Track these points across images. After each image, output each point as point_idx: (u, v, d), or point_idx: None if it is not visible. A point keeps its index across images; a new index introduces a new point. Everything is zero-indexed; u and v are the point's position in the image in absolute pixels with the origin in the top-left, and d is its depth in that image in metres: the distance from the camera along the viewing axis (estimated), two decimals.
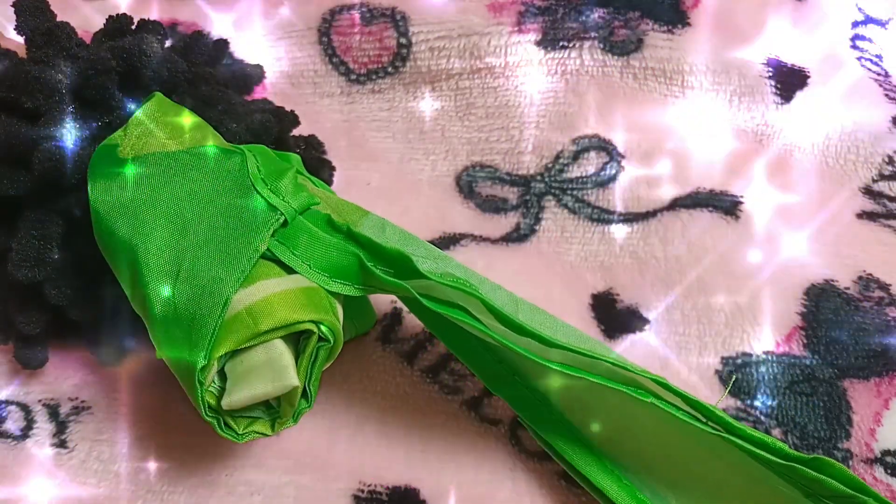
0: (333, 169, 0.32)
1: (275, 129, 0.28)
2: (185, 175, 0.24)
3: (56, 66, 0.25)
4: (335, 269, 0.23)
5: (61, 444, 0.26)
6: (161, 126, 0.25)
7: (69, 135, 0.25)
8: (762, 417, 0.27)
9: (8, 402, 0.27)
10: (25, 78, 0.25)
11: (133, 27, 0.28)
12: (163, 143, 0.25)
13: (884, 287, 0.29)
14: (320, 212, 0.24)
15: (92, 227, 0.25)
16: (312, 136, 0.31)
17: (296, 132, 0.31)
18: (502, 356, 0.26)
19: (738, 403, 0.27)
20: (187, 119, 0.25)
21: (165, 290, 0.22)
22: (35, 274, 0.25)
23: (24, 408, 0.27)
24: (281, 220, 0.23)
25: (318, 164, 0.31)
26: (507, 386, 0.26)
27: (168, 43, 0.29)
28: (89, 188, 0.24)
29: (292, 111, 0.30)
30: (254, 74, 0.32)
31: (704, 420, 0.22)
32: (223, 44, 0.30)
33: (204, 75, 0.28)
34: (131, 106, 0.26)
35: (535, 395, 0.26)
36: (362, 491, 0.25)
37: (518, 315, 0.22)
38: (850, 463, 0.26)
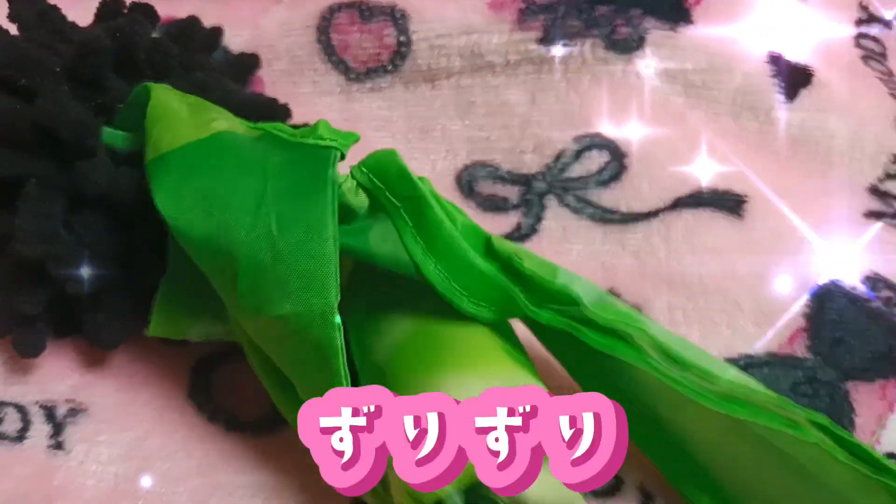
0: None
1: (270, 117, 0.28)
2: (225, 155, 0.24)
3: (50, 46, 0.25)
4: (479, 294, 0.22)
5: (58, 446, 0.26)
6: (171, 117, 0.24)
7: (65, 115, 0.25)
8: None
9: (4, 404, 0.27)
10: (21, 56, 0.25)
11: (125, 11, 0.28)
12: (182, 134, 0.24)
13: (892, 287, 0.29)
14: (481, 229, 0.23)
15: (101, 206, 0.25)
16: (306, 124, 0.31)
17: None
18: (638, 397, 0.24)
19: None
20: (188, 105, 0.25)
21: (266, 256, 0.22)
22: (43, 250, 0.24)
23: (21, 409, 0.27)
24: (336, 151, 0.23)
25: None
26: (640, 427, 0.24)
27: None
28: (161, 204, 0.23)
29: (285, 104, 0.30)
30: (249, 63, 0.32)
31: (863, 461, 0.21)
32: (217, 32, 0.30)
33: (199, 61, 0.28)
34: (125, 87, 0.26)
35: (670, 439, 0.24)
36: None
37: (683, 351, 0.22)
38: None
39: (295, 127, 0.25)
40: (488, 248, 0.23)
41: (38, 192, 0.25)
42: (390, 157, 0.23)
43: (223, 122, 0.24)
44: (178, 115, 0.24)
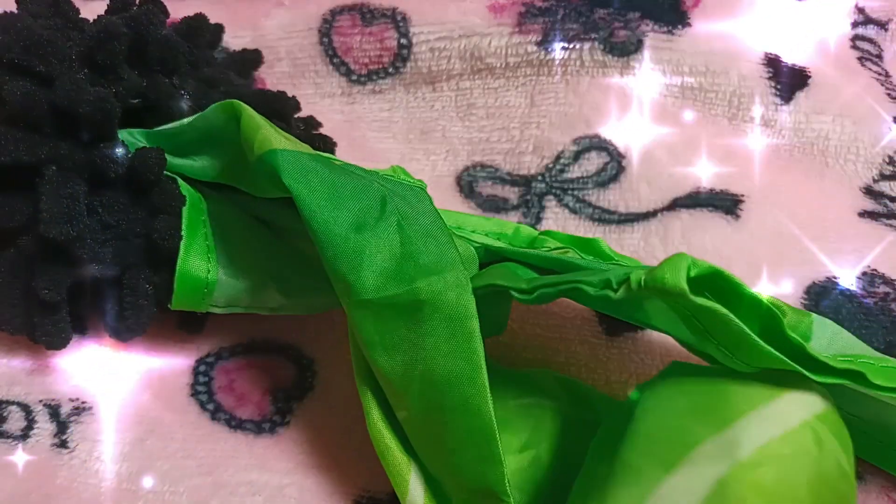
0: (335, 144, 0.32)
1: (279, 111, 0.28)
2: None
3: (65, 33, 0.25)
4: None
5: (62, 445, 0.26)
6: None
7: (82, 99, 0.25)
8: None
9: (8, 402, 0.27)
10: (38, 41, 0.25)
11: (136, 5, 0.29)
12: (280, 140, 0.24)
13: (889, 282, 0.29)
14: (778, 309, 0.21)
15: (121, 187, 0.25)
16: (310, 117, 0.31)
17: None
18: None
19: None
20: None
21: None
22: (68, 230, 0.24)
23: (25, 408, 0.27)
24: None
25: (319, 141, 0.31)
26: None
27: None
28: (300, 196, 0.23)
29: (293, 97, 0.30)
30: (252, 59, 0.32)
31: None
32: (219, 29, 0.30)
33: (205, 57, 0.28)
34: (137, 79, 0.26)
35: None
36: (363, 497, 0.25)
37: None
38: None
39: (287, 132, 0.25)
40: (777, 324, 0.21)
41: (59, 176, 0.25)
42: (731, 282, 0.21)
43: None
44: (264, 125, 0.25)
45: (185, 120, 0.27)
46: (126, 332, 0.26)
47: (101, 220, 0.25)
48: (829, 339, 0.22)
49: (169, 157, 0.27)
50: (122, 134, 0.27)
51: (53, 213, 0.24)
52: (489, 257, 0.26)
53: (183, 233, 0.25)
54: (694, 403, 0.19)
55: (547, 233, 0.27)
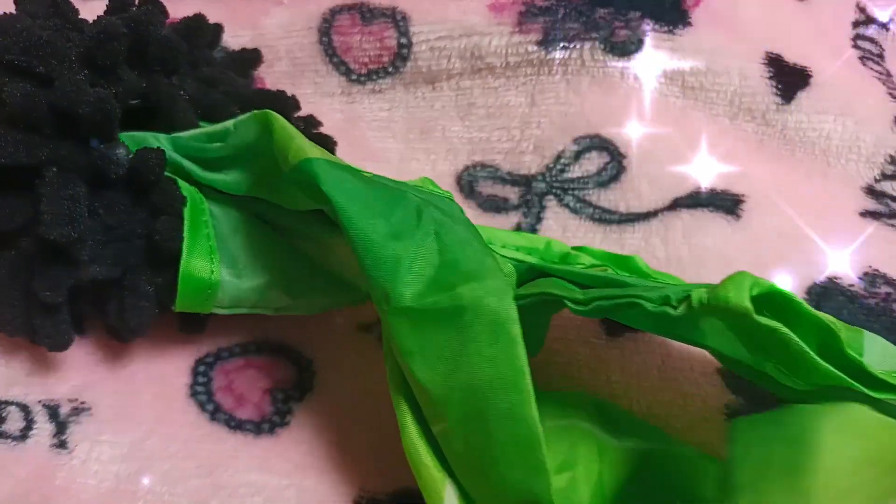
0: (335, 143, 0.32)
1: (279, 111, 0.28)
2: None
3: (64, 33, 0.25)
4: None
5: (61, 445, 0.26)
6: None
7: (81, 99, 0.25)
8: (760, 410, 0.27)
9: (7, 403, 0.27)
10: (37, 42, 0.25)
11: (135, 6, 0.29)
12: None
13: (891, 283, 0.29)
14: (833, 326, 0.20)
15: (121, 187, 0.24)
16: (310, 116, 0.31)
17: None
18: None
19: (741, 400, 0.27)
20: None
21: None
22: (69, 232, 0.24)
23: (24, 408, 0.27)
24: None
25: (319, 141, 0.31)
26: None
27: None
28: (338, 203, 0.23)
29: (293, 95, 0.30)
30: (251, 58, 0.32)
31: None
32: (218, 28, 0.30)
33: (205, 57, 0.28)
34: (136, 80, 0.26)
35: None
36: (363, 497, 0.25)
37: None
38: None
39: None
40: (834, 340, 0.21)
41: (59, 177, 0.25)
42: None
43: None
44: (297, 135, 0.24)
45: (212, 128, 0.27)
46: (127, 332, 0.26)
47: (102, 222, 0.25)
48: (880, 355, 0.22)
49: (199, 170, 0.26)
50: (148, 138, 0.27)
51: (54, 214, 0.24)
52: (527, 275, 0.26)
53: (185, 234, 0.25)
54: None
55: (580, 248, 0.27)
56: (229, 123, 0.27)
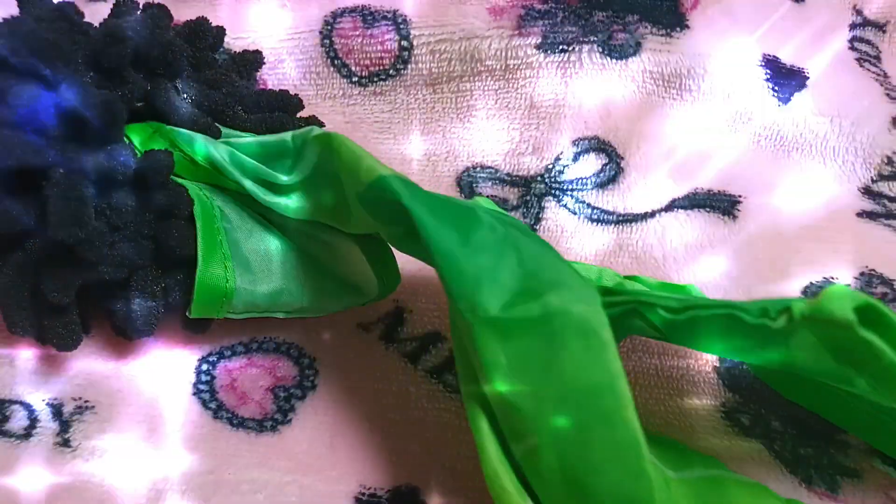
0: None
1: (285, 117, 0.28)
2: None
3: (70, 36, 0.26)
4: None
5: (65, 444, 0.26)
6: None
7: (88, 101, 0.25)
8: (762, 411, 0.27)
9: (11, 402, 0.27)
10: (44, 45, 0.25)
11: (139, 11, 0.29)
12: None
13: (887, 283, 0.29)
14: None
15: (130, 189, 0.25)
16: (312, 116, 0.32)
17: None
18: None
19: (737, 398, 0.27)
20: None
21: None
22: (77, 232, 0.24)
23: (27, 407, 0.27)
24: None
25: None
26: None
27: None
28: (421, 218, 0.22)
29: (296, 94, 0.30)
30: (253, 60, 0.32)
31: None
32: (221, 31, 0.30)
33: (207, 60, 0.28)
34: (142, 82, 0.26)
35: None
36: (363, 494, 0.25)
37: None
38: (848, 452, 0.26)
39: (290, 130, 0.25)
40: None
41: (66, 178, 0.25)
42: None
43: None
44: (363, 153, 0.24)
45: (265, 139, 0.27)
46: (135, 332, 0.27)
47: (110, 223, 0.25)
48: None
49: (263, 194, 0.26)
50: (208, 146, 0.27)
51: (62, 215, 0.24)
52: None
53: (199, 240, 0.25)
54: None
55: (633, 277, 0.27)
56: (287, 136, 0.26)
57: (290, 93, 0.31)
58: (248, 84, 0.30)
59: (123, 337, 0.27)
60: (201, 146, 0.27)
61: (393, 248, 0.28)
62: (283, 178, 0.26)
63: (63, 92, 0.25)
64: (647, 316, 0.22)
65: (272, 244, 0.27)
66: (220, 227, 0.26)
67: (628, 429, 0.19)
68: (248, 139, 0.27)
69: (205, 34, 0.29)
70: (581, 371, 0.20)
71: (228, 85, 0.28)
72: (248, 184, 0.26)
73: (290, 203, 0.26)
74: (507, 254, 0.21)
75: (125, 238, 0.26)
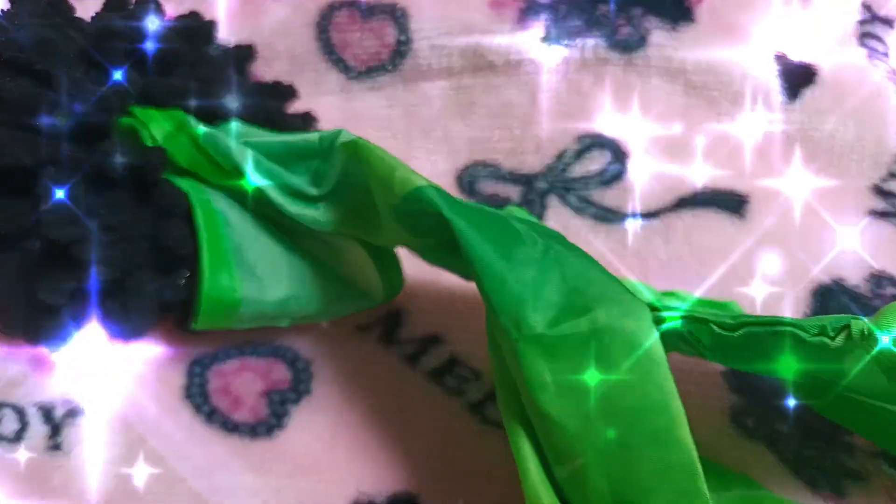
0: None
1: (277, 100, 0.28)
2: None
3: (63, 31, 0.26)
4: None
5: (56, 447, 0.26)
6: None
7: (82, 98, 0.25)
8: (767, 413, 0.27)
9: (1, 405, 0.26)
10: (37, 40, 0.25)
11: (132, 4, 0.29)
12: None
13: None
14: None
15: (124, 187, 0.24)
16: (307, 112, 0.31)
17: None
18: None
19: (743, 401, 0.27)
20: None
21: None
22: (70, 231, 0.24)
23: (18, 410, 0.26)
24: None
25: None
26: None
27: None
28: (462, 230, 0.22)
29: (289, 84, 0.30)
30: (246, 54, 0.32)
31: None
32: (213, 25, 0.30)
33: (201, 55, 0.28)
34: (136, 78, 0.26)
35: None
36: (360, 500, 0.25)
37: None
38: (854, 454, 0.26)
39: (284, 124, 0.25)
40: None
41: (59, 176, 0.25)
42: None
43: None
44: (395, 161, 0.24)
45: (291, 138, 0.26)
46: (129, 334, 0.26)
47: (104, 222, 0.25)
48: None
49: (289, 205, 0.26)
50: (230, 146, 0.26)
51: (55, 214, 0.24)
52: None
53: (203, 247, 0.25)
54: None
55: (670, 293, 0.26)
56: (314, 138, 0.26)
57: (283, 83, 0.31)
58: (242, 80, 0.30)
59: (116, 338, 0.27)
60: (225, 147, 0.26)
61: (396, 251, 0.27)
62: (313, 191, 0.26)
63: (56, 88, 0.25)
64: (696, 333, 0.21)
65: (278, 249, 0.26)
66: (224, 232, 0.25)
67: (682, 449, 0.19)
68: (273, 139, 0.27)
69: (198, 29, 0.29)
70: (631, 390, 0.19)
71: (223, 80, 0.28)
72: (274, 194, 0.26)
73: (318, 215, 0.26)
74: (551, 268, 0.21)
75: (120, 238, 0.25)
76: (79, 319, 0.27)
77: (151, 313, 0.26)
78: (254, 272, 0.26)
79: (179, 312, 0.26)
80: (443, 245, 0.24)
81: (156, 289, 0.26)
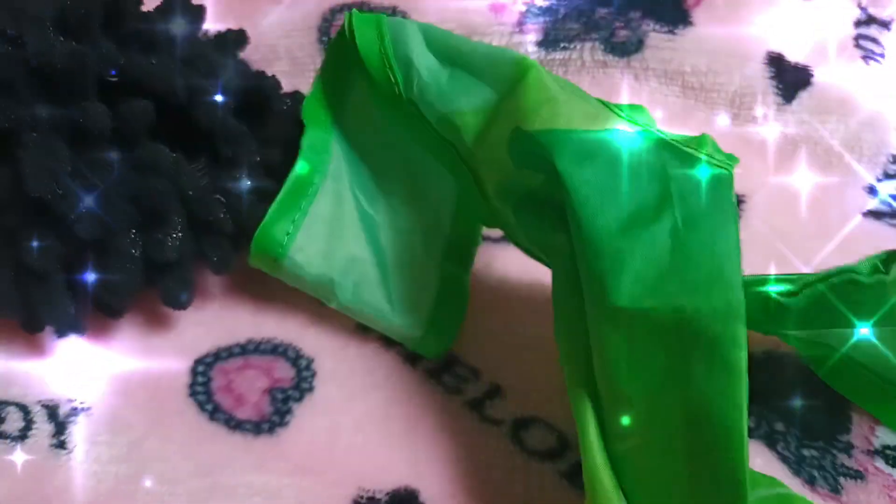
0: None
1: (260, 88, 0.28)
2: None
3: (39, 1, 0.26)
4: None
5: (60, 445, 0.26)
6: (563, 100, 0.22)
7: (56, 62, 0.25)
8: (765, 412, 0.27)
9: (6, 403, 0.26)
10: (9, 4, 0.25)
11: None
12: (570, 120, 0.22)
13: None
14: None
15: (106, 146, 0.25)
16: (296, 91, 0.31)
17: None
18: None
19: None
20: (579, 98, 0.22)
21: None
22: (53, 187, 0.24)
23: (23, 408, 0.26)
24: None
25: None
26: None
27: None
28: (571, 185, 0.21)
29: (273, 75, 0.30)
30: (235, 39, 0.31)
31: None
32: (201, 9, 0.30)
33: (186, 37, 0.28)
34: (114, 51, 0.26)
35: None
36: (362, 497, 0.25)
37: None
38: (852, 453, 0.26)
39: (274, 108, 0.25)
40: None
41: (39, 137, 0.24)
42: None
43: (613, 117, 0.22)
44: (558, 97, 0.22)
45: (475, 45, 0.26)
46: (113, 299, 0.26)
47: (87, 181, 0.25)
48: None
49: (444, 100, 0.25)
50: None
51: (35, 171, 0.24)
52: None
53: (278, 198, 0.26)
54: None
55: (635, 108, 0.25)
56: (510, 57, 0.24)
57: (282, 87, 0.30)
58: (226, 63, 0.29)
59: (105, 313, 0.27)
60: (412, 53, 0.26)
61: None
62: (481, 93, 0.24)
63: (28, 47, 0.24)
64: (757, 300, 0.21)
65: (354, 241, 0.28)
66: (307, 193, 0.27)
67: (734, 467, 0.18)
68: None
69: (182, 11, 0.29)
70: (699, 395, 0.19)
71: (208, 63, 0.28)
72: (430, 97, 0.25)
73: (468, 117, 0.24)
74: (660, 240, 0.20)
75: (104, 198, 0.25)
76: (78, 317, 0.27)
77: (135, 276, 0.26)
78: (311, 242, 0.27)
79: (163, 284, 0.27)
80: (536, 193, 0.22)
81: (140, 254, 0.25)
